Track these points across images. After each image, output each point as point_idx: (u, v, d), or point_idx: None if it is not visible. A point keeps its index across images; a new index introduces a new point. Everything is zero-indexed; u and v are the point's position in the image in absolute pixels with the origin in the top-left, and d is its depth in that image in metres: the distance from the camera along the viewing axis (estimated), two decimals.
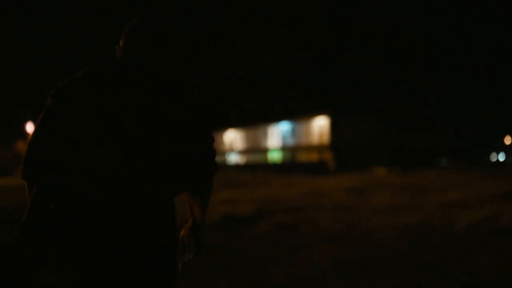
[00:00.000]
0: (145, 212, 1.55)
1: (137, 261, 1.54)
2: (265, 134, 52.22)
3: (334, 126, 43.11)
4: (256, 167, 35.31)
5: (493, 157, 52.82)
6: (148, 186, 1.54)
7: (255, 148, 52.65)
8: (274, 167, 36.43)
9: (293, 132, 48.35)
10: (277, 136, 50.38)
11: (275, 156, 50.85)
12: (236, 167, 39.06)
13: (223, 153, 57.31)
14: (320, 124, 45.09)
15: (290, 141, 48.53)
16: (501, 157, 52.66)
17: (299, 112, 47.96)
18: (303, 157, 46.87)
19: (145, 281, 1.56)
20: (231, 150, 56.49)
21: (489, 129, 50.25)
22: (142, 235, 1.55)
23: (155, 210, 1.58)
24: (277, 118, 50.60)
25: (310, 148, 45.66)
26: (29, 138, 1.55)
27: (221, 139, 59.51)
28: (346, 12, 75.24)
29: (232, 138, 57.47)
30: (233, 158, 54.63)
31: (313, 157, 45.40)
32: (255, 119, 56.08)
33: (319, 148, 44.57)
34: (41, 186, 1.49)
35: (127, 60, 1.60)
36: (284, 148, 49.05)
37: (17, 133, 56.02)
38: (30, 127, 53.66)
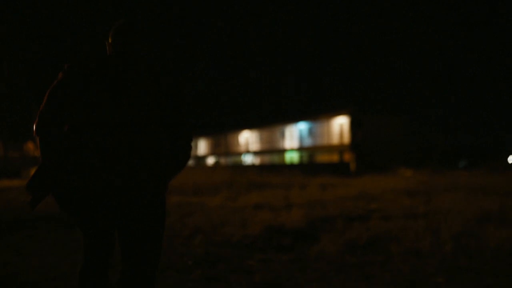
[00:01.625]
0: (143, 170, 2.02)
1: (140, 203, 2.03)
2: (281, 135, 50.36)
3: (355, 125, 41.06)
4: (274, 167, 33.26)
5: (510, 159, 50.54)
6: (144, 145, 2.04)
7: (271, 149, 50.74)
8: (292, 168, 34.29)
9: (311, 132, 46.40)
10: (294, 136, 48.45)
11: (292, 156, 48.88)
12: (253, 167, 37.12)
13: (238, 154, 55.55)
14: (340, 123, 43.04)
15: (308, 142, 46.54)
16: None
17: (317, 111, 46.17)
18: (322, 157, 44.98)
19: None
20: (246, 151, 54.59)
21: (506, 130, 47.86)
22: (142, 188, 2.02)
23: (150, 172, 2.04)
24: (294, 118, 48.77)
25: (329, 148, 43.67)
26: (44, 97, 2.08)
27: (236, 140, 57.85)
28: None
29: (247, 139, 55.61)
30: (248, 159, 52.71)
31: (332, 157, 43.53)
32: (271, 119, 54.50)
33: (339, 148, 42.53)
34: (43, 141, 2.06)
35: (113, 51, 2.20)
36: (301, 149, 47.06)
37: (26, 134, 54.89)
38: None
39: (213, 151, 62.21)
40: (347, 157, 41.86)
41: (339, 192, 11.05)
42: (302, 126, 47.69)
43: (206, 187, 14.28)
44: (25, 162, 51.72)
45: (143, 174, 1.98)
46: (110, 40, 2.20)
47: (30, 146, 59.05)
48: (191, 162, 58.82)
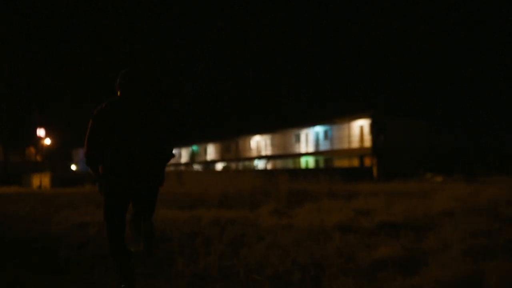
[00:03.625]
0: (148, 167, 3.52)
1: (147, 184, 3.55)
2: (296, 139, 47.80)
3: (376, 128, 38.47)
4: (291, 173, 30.48)
5: None
6: (146, 155, 3.48)
7: (285, 154, 48.14)
8: (311, 173, 31.56)
9: (328, 136, 43.84)
10: (310, 140, 45.86)
11: (307, 161, 46.29)
12: (269, 172, 34.47)
13: (249, 159, 53.02)
14: (360, 127, 40.48)
15: (325, 146, 43.94)
16: None
17: (335, 114, 43.56)
18: (340, 162, 42.38)
19: (151, 196, 3.60)
20: (258, 156, 52.05)
21: None
22: (148, 177, 3.53)
23: (152, 167, 3.57)
24: (310, 122, 46.23)
25: (348, 152, 41.05)
26: (84, 144, 3.41)
27: (247, 145, 55.37)
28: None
29: (259, 144, 53.10)
30: (260, 164, 50.13)
31: (351, 162, 40.97)
32: (285, 123, 52.04)
33: (359, 152, 39.93)
34: (93, 168, 3.49)
35: (120, 93, 3.54)
36: (317, 153, 44.46)
37: (27, 139, 52.46)
38: (41, 132, 50.44)
39: (222, 156, 59.70)
40: (368, 161, 39.29)
41: (427, 204, 8.42)
42: (318, 130, 45.14)
43: (234, 196, 11.78)
44: (26, 167, 49.42)
45: (145, 173, 3.50)
46: (117, 83, 3.59)
47: (32, 150, 56.86)
48: (199, 167, 56.29)
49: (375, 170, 36.95)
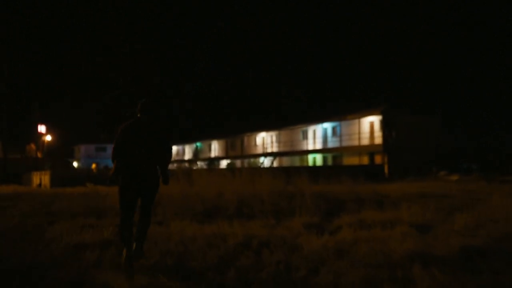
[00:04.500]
0: (152, 170, 5.01)
1: (149, 184, 4.95)
2: (303, 136, 46.42)
3: (388, 125, 37.06)
4: (300, 170, 29.14)
5: None
6: (151, 159, 4.96)
7: (292, 151, 46.77)
8: (319, 171, 30.17)
9: (337, 132, 42.43)
10: (317, 137, 44.49)
11: (315, 158, 44.93)
12: (276, 170, 33.18)
13: (255, 156, 51.68)
14: (370, 123, 39.10)
15: (333, 143, 42.57)
16: None
17: (344, 110, 42.15)
18: (349, 160, 41.04)
19: (150, 195, 5.02)
20: (264, 153, 50.70)
21: None
22: (150, 177, 4.96)
23: (154, 170, 5.04)
24: (318, 118, 44.79)
25: (357, 150, 39.67)
26: (113, 146, 4.98)
27: (253, 141, 54.04)
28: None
29: (265, 140, 51.74)
30: (266, 161, 48.76)
31: (361, 160, 39.60)
32: (292, 119, 50.67)
33: (369, 149, 38.55)
34: (117, 161, 4.90)
35: (140, 117, 5.03)
36: (325, 150, 43.09)
37: (28, 135, 51.30)
38: (42, 128, 49.18)
39: (227, 153, 58.37)
40: (379, 159, 37.93)
41: (494, 213, 7.07)
42: (326, 126, 43.76)
43: (252, 201, 10.45)
44: (26, 164, 48.18)
45: (151, 172, 4.93)
46: (138, 108, 5.05)
47: (32, 147, 55.60)
48: (203, 164, 54.84)
49: (386, 168, 35.58)
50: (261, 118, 57.30)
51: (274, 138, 50.76)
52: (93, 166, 39.29)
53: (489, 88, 55.07)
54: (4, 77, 45.96)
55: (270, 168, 28.51)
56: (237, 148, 56.93)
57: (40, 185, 29.62)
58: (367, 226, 6.24)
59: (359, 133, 39.59)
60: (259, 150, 52.66)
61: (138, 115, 5.01)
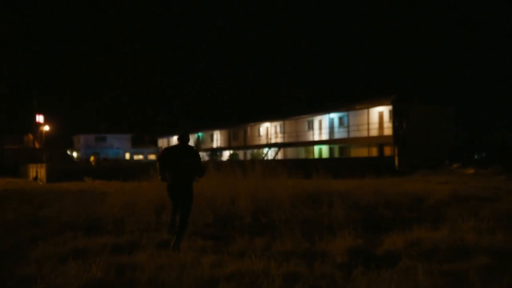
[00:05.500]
0: (187, 182, 7.17)
1: (185, 191, 7.15)
2: (308, 126, 44.99)
3: (398, 116, 35.61)
4: (305, 163, 27.73)
5: None
6: (188, 173, 7.17)
7: (297, 141, 45.36)
8: (327, 163, 28.79)
9: (344, 123, 41.01)
10: (324, 127, 43.06)
11: (321, 150, 43.56)
12: (282, 162, 31.92)
13: (258, 147, 50.32)
14: (379, 114, 37.69)
15: (340, 134, 41.18)
16: None
17: (352, 100, 40.77)
18: (356, 151, 39.65)
19: (187, 202, 7.15)
20: (268, 144, 49.31)
21: None
22: (187, 185, 7.14)
23: (190, 183, 7.20)
24: (325, 108, 43.32)
25: (365, 141, 38.27)
26: (157, 159, 7.55)
27: (256, 132, 52.66)
28: None
29: (269, 131, 50.31)
30: (270, 153, 47.39)
31: (370, 151, 38.23)
32: (297, 109, 49.19)
33: (378, 141, 37.17)
34: (161, 169, 7.29)
35: (180, 144, 7.38)
36: (332, 141, 41.72)
37: (26, 125, 50.09)
38: (40, 118, 47.82)
39: (229, 144, 57.00)
40: (388, 151, 36.57)
41: None
42: (333, 116, 42.32)
43: (269, 206, 9.09)
44: (25, 154, 46.86)
45: (187, 183, 7.09)
46: (178, 137, 7.31)
47: (30, 137, 54.24)
48: (205, 154, 53.44)
49: (396, 161, 34.17)
50: (259, 119, 55.99)
51: (278, 129, 49.36)
52: (92, 158, 37.85)
53: (504, 82, 53.56)
54: (4, 77, 44.75)
55: (280, 161, 27.07)
56: (240, 139, 55.55)
57: (36, 178, 28.32)
58: (430, 254, 4.89)
59: (368, 123, 38.19)
60: (263, 141, 51.30)
61: (178, 142, 7.28)
